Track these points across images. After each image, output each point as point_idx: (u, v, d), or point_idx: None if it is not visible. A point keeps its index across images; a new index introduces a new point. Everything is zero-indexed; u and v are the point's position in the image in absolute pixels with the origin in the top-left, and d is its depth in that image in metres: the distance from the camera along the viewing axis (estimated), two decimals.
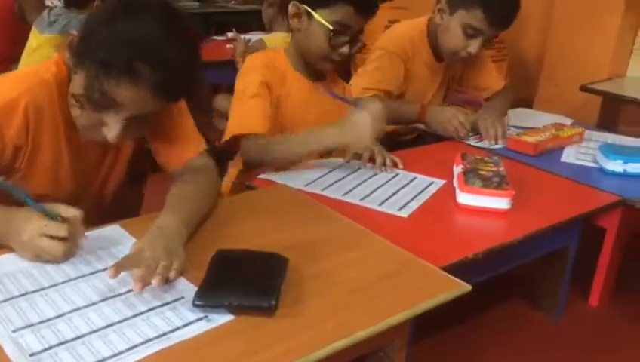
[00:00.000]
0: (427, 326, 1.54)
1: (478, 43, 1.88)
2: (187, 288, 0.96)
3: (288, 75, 1.58)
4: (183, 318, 0.89)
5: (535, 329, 1.64)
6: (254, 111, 1.50)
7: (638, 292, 1.76)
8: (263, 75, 1.52)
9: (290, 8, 1.51)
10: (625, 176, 1.67)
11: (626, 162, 1.68)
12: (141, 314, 0.90)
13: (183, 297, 0.94)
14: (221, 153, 1.59)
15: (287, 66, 1.58)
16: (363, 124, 1.44)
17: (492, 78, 2.15)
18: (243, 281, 0.93)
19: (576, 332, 1.64)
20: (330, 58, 1.52)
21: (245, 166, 1.56)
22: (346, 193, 1.44)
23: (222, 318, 0.90)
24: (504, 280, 1.66)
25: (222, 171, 1.56)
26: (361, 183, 1.50)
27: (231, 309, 0.91)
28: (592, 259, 1.70)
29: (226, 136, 1.53)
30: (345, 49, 1.50)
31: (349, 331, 0.90)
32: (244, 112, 1.52)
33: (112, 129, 1.06)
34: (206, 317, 0.90)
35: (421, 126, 2.04)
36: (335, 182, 1.50)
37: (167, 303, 0.92)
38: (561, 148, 1.86)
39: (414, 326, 1.31)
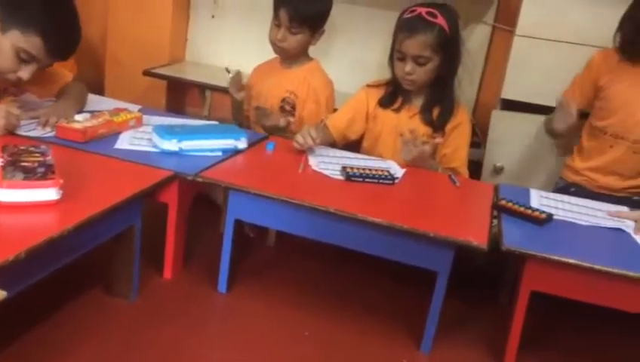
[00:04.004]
0: None
1: (30, 69, 1.71)
2: None
3: None
4: None
5: (114, 315, 1.62)
6: None
7: (208, 258, 1.91)
8: None
9: None
10: (181, 154, 1.79)
11: (180, 141, 1.79)
12: None
13: None
14: None
15: None
16: None
17: (57, 75, 2.02)
18: None
19: (155, 307, 1.69)
20: None
21: None
22: None
23: None
24: (77, 273, 1.59)
25: None
26: None
27: None
28: (163, 235, 1.77)
29: None
30: None
31: None
32: None
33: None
34: None
35: None
36: None
37: None
38: (118, 133, 1.86)
39: None
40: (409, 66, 1.93)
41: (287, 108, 2.21)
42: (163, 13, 2.90)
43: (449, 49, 1.92)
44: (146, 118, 2.02)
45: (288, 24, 2.11)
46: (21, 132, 1.74)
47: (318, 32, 2.19)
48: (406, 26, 1.92)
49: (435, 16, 1.90)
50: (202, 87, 2.91)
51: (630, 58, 1.93)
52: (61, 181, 1.33)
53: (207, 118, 2.80)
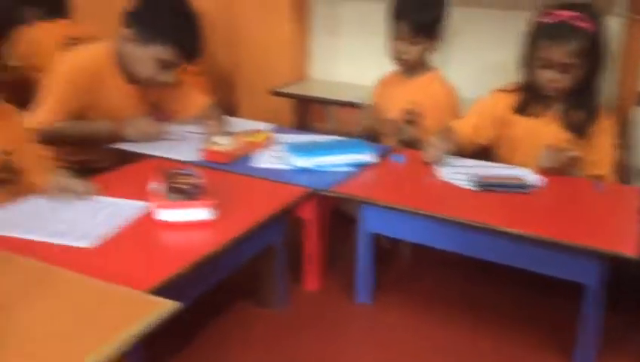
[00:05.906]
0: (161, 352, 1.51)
1: (172, 73, 1.99)
2: None
3: None
4: None
5: (265, 324, 1.72)
6: None
7: (344, 270, 1.95)
8: None
9: None
10: (314, 170, 1.85)
11: (313, 157, 1.86)
12: None
13: None
14: None
15: None
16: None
17: (194, 98, 2.23)
18: None
19: (301, 316, 1.76)
20: None
21: None
22: (31, 231, 1.34)
23: None
24: (229, 286, 1.70)
25: None
26: (53, 216, 1.42)
27: None
28: (299, 247, 1.84)
29: None
30: None
31: None
32: None
33: None
34: None
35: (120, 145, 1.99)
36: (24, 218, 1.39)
37: None
38: (254, 153, 1.97)
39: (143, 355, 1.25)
40: (554, 74, 1.84)
41: (412, 118, 2.21)
42: (283, 37, 3.06)
43: (595, 53, 1.82)
44: (276, 136, 2.13)
45: (409, 35, 2.11)
46: (170, 155, 1.91)
47: (437, 39, 2.18)
48: (549, 33, 1.82)
49: (581, 21, 1.79)
50: (326, 103, 2.99)
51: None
52: (212, 202, 1.44)
53: (334, 133, 2.86)
